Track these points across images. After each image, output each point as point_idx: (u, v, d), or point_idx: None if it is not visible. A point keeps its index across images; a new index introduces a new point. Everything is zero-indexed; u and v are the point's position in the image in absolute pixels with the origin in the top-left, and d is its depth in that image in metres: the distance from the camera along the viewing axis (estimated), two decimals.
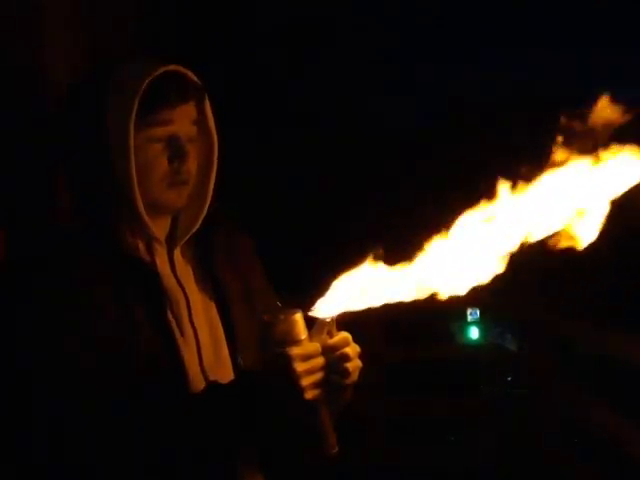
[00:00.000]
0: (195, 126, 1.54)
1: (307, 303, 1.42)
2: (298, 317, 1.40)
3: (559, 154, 1.34)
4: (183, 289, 1.55)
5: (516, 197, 1.36)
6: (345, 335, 1.44)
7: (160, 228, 1.55)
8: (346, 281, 1.41)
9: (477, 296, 1.36)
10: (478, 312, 5.52)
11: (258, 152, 7.57)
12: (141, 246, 1.53)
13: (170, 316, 1.51)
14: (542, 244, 1.37)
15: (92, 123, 1.47)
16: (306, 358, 1.38)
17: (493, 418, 4.96)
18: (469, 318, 5.59)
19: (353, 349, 1.44)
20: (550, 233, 1.36)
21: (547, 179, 1.35)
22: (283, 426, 1.45)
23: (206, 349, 1.54)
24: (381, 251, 1.40)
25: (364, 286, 1.40)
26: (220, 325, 1.58)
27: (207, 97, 1.57)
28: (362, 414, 4.73)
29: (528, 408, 4.72)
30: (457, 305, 5.20)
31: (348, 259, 1.41)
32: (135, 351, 1.43)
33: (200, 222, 1.59)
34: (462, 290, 1.38)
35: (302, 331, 1.39)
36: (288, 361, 1.36)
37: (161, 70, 1.48)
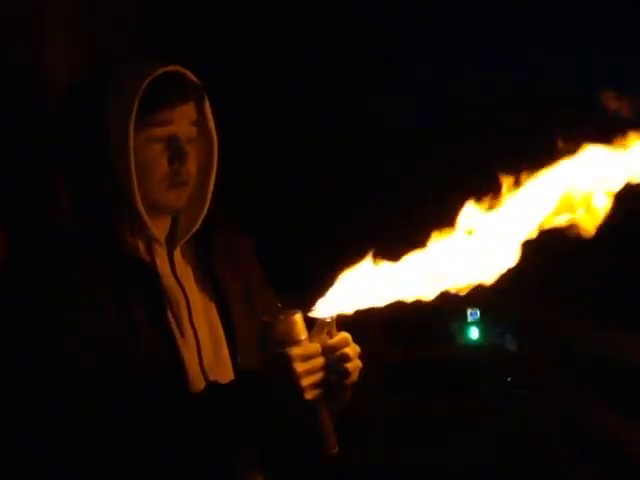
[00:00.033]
0: (195, 126, 1.54)
1: (307, 303, 1.42)
2: (298, 317, 1.40)
3: (559, 147, 1.34)
4: (183, 289, 1.55)
5: (515, 195, 1.36)
6: (345, 335, 1.44)
7: (160, 228, 1.56)
8: (346, 281, 1.41)
9: (478, 295, 1.35)
10: (478, 312, 5.52)
11: (258, 152, 7.55)
12: (141, 246, 1.53)
13: (170, 316, 1.51)
14: (541, 242, 1.36)
15: (92, 123, 1.48)
16: (306, 358, 1.38)
17: (493, 418, 4.95)
18: (469, 318, 5.58)
19: (353, 349, 1.44)
20: (551, 227, 1.35)
21: (547, 174, 1.35)
22: (283, 426, 1.45)
23: (206, 349, 1.54)
24: (381, 251, 1.40)
25: (364, 286, 1.40)
26: (220, 325, 1.58)
27: (207, 97, 1.57)
28: (362, 414, 4.73)
29: (528, 408, 4.72)
30: (457, 305, 5.20)
31: (348, 259, 1.41)
32: (135, 351, 1.43)
33: (200, 222, 1.59)
34: (462, 290, 1.38)
35: (302, 331, 1.39)
36: (288, 361, 1.36)
37: (161, 70, 1.48)
